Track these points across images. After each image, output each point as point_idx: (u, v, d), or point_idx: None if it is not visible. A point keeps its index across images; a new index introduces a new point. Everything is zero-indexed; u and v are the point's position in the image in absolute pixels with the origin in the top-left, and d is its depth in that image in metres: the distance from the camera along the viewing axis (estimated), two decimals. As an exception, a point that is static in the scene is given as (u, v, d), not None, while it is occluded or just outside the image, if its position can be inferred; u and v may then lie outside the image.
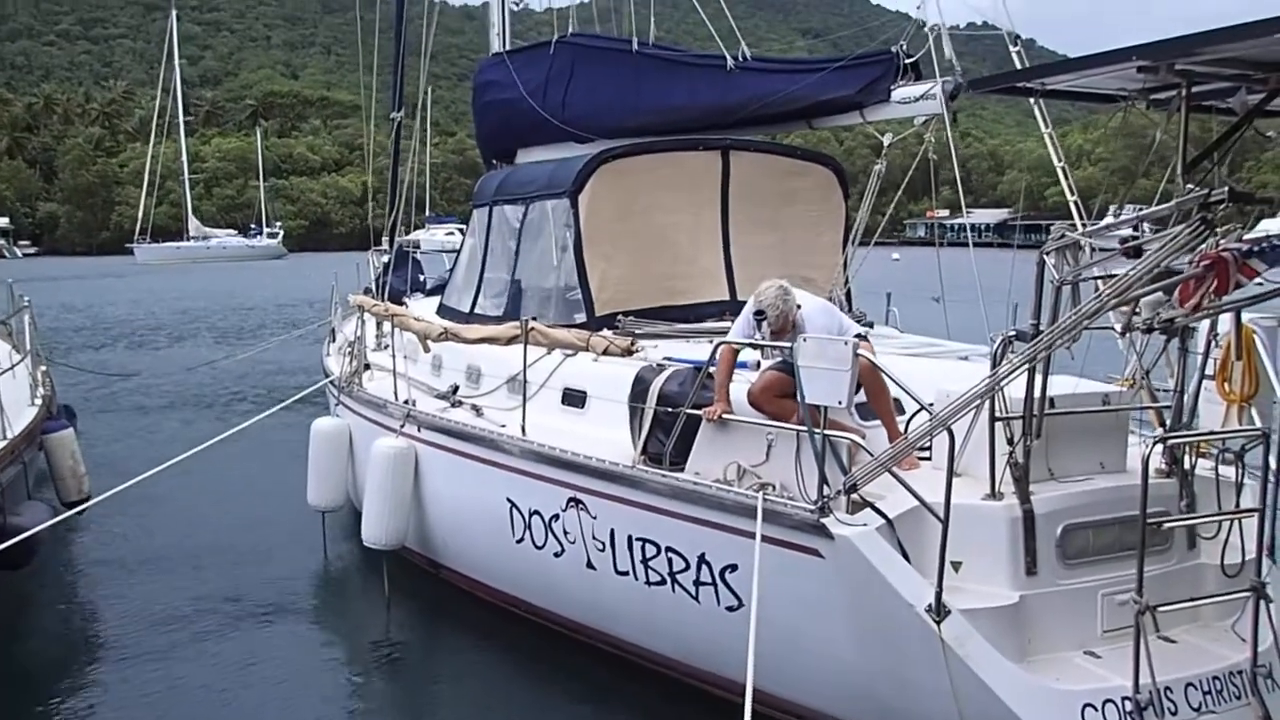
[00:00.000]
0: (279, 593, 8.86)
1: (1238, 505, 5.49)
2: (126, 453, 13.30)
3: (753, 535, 5.32)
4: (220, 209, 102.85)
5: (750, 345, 6.09)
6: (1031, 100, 5.97)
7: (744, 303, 6.39)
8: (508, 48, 11.87)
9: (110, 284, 54.78)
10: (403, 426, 8.40)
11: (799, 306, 6.02)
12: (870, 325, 8.49)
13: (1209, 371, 5.91)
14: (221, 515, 11.06)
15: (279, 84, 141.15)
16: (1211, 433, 5.67)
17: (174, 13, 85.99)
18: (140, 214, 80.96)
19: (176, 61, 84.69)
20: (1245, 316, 5.74)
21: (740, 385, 6.03)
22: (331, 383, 10.80)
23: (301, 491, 9.93)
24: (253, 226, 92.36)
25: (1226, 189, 3.84)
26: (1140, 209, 4.56)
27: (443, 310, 10.21)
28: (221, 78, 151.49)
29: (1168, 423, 5.81)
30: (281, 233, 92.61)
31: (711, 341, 6.32)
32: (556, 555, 6.94)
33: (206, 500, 11.57)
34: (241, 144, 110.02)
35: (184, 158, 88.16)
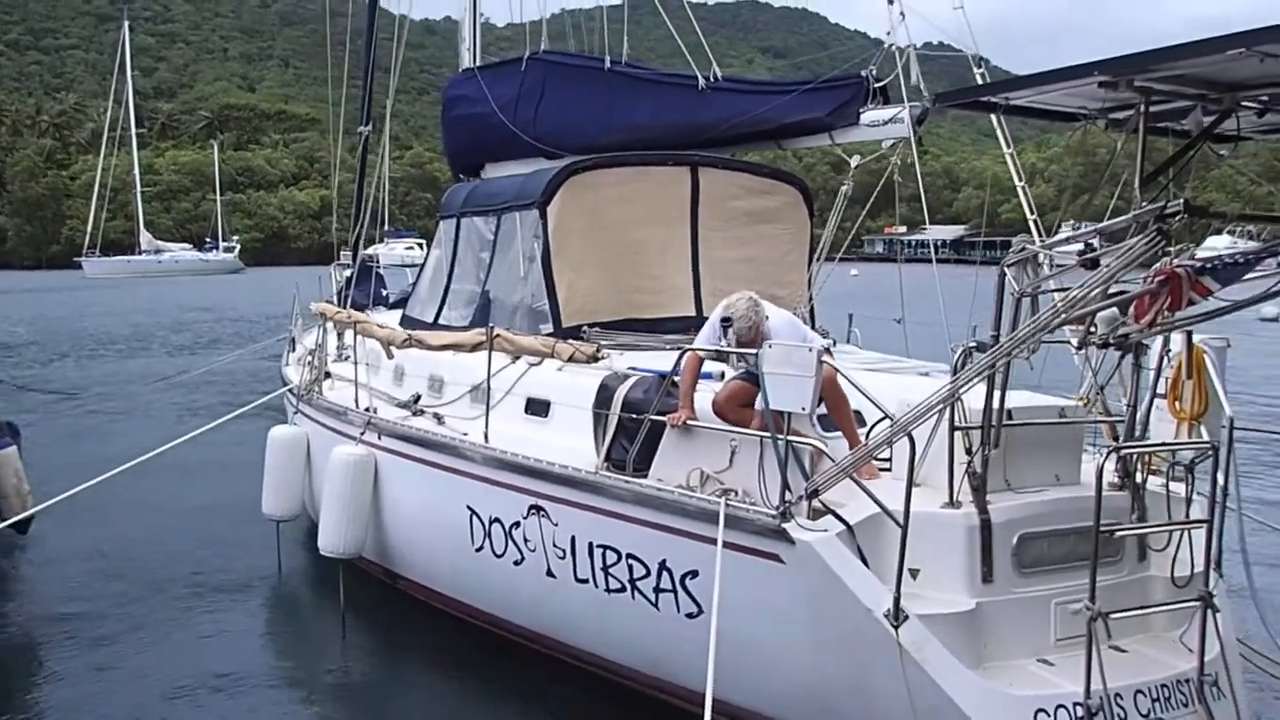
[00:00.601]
0: (231, 603, 8.73)
1: (1187, 518, 5.62)
2: (74, 470, 13.00)
3: (714, 541, 5.35)
4: (176, 222, 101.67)
5: (716, 351, 6.14)
6: (993, 117, 6.13)
7: (709, 319, 6.45)
8: (478, 63, 11.95)
9: (59, 299, 53.64)
10: (363, 434, 8.35)
11: (766, 318, 6.10)
12: (834, 342, 8.60)
13: (1160, 390, 6.08)
14: (173, 526, 10.91)
15: (235, 96, 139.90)
16: (1164, 444, 5.81)
17: (126, 23, 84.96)
18: (89, 227, 79.49)
19: (129, 73, 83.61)
20: (1196, 337, 5.91)
21: (704, 395, 6.08)
22: (290, 391, 10.70)
23: (256, 502, 9.82)
24: (209, 240, 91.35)
25: (1182, 202, 3.97)
26: (1097, 224, 4.69)
27: (405, 321, 10.16)
28: (176, 90, 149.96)
29: (1121, 437, 5.94)
30: (238, 247, 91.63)
31: (678, 350, 6.35)
32: (516, 564, 6.92)
33: (158, 512, 11.42)
34: (197, 157, 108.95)
35: (136, 170, 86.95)
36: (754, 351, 5.51)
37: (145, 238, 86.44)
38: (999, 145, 7.34)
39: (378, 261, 15.12)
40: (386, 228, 19.96)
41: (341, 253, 14.54)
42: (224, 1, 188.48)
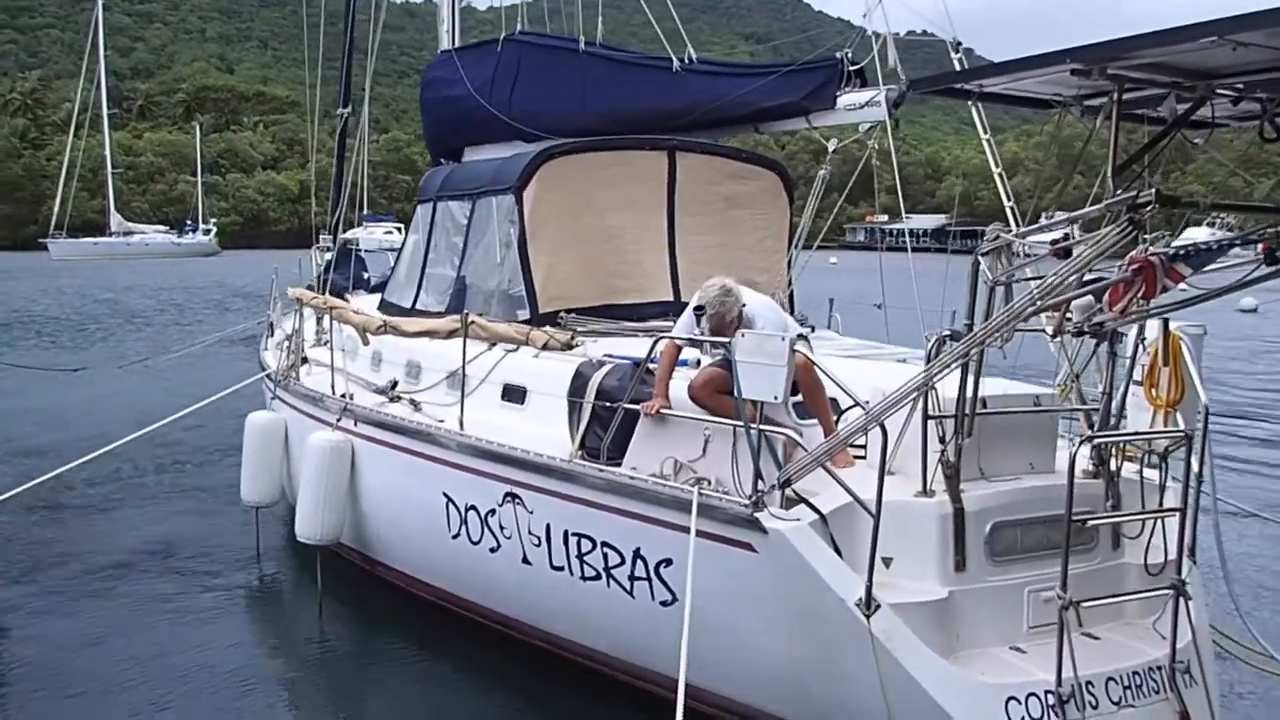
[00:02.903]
0: (208, 590, 8.67)
1: (1161, 506, 5.63)
2: (44, 454, 12.90)
3: (688, 530, 5.34)
4: (152, 205, 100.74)
5: (691, 341, 6.11)
6: (970, 104, 6.09)
7: (688, 304, 6.41)
8: (457, 45, 11.83)
9: (24, 282, 52.57)
10: (339, 420, 8.29)
11: (743, 305, 6.06)
12: (812, 328, 8.58)
13: (1137, 377, 6.08)
14: (150, 513, 10.83)
15: (214, 78, 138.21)
16: (1136, 434, 5.81)
17: (100, 2, 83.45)
18: (57, 208, 78.01)
19: (101, 53, 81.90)
20: (1172, 324, 5.91)
21: (680, 382, 6.05)
22: (268, 376, 10.63)
23: (236, 487, 9.77)
24: (189, 223, 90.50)
25: (1154, 191, 3.95)
26: (1069, 214, 4.67)
27: (384, 306, 10.10)
28: (154, 70, 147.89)
29: (1096, 425, 5.94)
30: (215, 230, 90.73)
31: (652, 338, 6.32)
32: (492, 551, 6.89)
33: (135, 497, 11.34)
34: (176, 138, 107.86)
35: (107, 150, 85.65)
36: (728, 341, 5.47)
37: (115, 219, 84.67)
38: (980, 134, 7.31)
39: (357, 244, 15.02)
40: (365, 211, 19.82)
41: (321, 236, 14.43)
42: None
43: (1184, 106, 4.42)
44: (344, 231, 13.67)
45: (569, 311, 8.12)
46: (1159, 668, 5.27)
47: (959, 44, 7.22)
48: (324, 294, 11.28)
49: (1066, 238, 4.71)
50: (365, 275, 13.44)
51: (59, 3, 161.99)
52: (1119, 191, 4.35)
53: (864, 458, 5.84)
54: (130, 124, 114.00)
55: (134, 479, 12.05)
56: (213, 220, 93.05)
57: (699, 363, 6.45)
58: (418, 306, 9.46)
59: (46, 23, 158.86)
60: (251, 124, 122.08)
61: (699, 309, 5.98)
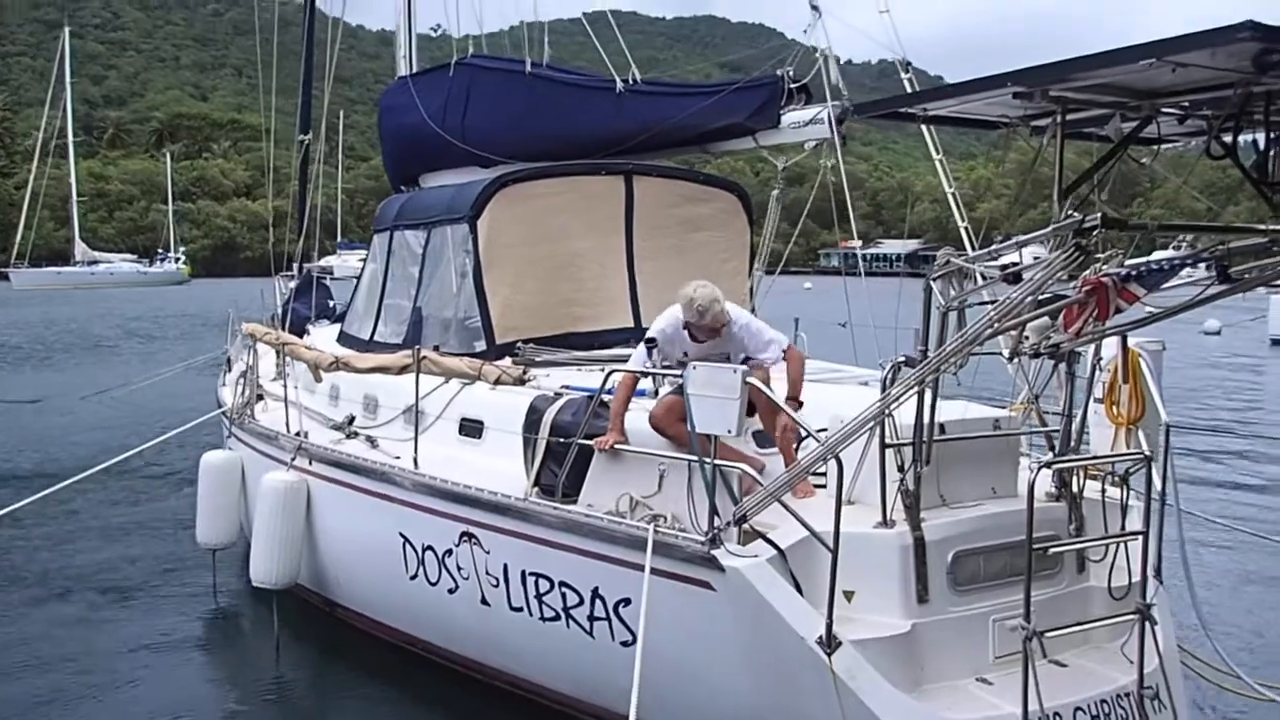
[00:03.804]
0: (162, 635, 8.41)
1: (1124, 528, 5.55)
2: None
3: (644, 568, 5.20)
4: (120, 232, 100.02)
5: (644, 374, 5.98)
6: (923, 127, 6.02)
7: (649, 329, 6.29)
8: (414, 71, 11.71)
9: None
10: (294, 459, 8.11)
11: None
12: None
13: (1098, 394, 5.99)
14: (103, 553, 10.54)
15: (187, 105, 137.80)
16: (1094, 457, 5.72)
17: (66, 29, 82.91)
18: (19, 237, 77.29)
19: (68, 81, 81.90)
20: (1131, 341, 5.83)
21: (637, 415, 5.91)
22: (224, 414, 10.42)
23: (192, 527, 9.54)
24: (160, 251, 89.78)
25: (1100, 215, 3.86)
26: (1016, 238, 4.59)
27: (343, 338, 9.94)
28: (127, 98, 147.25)
29: (1057, 446, 5.84)
30: (183, 258, 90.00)
31: (604, 370, 6.18)
32: (450, 591, 6.72)
33: (87, 536, 11.06)
34: (146, 166, 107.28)
35: (72, 178, 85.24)
36: (680, 374, 5.35)
37: (80, 248, 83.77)
38: (952, 158, 7.26)
39: (331, 273, 14.81)
40: (340, 239, 19.66)
41: (293, 265, 14.25)
42: (175, 10, 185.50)
43: (1130, 125, 4.34)
44: (319, 259, 13.47)
45: (527, 341, 7.98)
46: (1127, 694, 5.17)
47: (908, 64, 7.17)
48: (285, 325, 11.12)
49: (1020, 262, 4.62)
50: (330, 304, 13.23)
51: (31, 30, 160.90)
52: (1071, 212, 4.26)
53: (825, 486, 5.72)
54: (101, 152, 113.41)
55: (87, 517, 11.74)
56: (183, 248, 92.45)
57: (656, 392, 6.32)
58: (376, 338, 9.30)
59: (18, 50, 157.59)
60: (223, 151, 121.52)
61: (650, 341, 5.86)
